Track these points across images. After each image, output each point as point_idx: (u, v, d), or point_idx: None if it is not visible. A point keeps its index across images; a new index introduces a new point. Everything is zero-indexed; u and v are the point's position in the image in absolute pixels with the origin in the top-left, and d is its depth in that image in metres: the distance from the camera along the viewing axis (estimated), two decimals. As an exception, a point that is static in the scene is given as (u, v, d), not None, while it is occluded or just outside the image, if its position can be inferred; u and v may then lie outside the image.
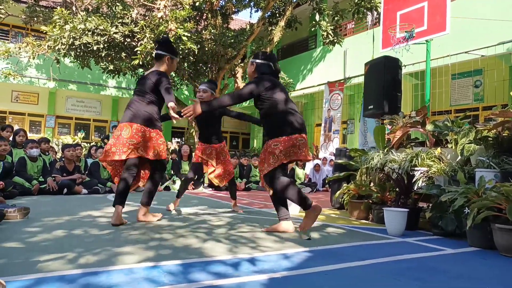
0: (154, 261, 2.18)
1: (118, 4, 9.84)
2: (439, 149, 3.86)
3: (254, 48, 11.99)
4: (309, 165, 9.26)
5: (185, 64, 11.11)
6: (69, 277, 1.84)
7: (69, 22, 9.44)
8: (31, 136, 11.95)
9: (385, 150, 4.40)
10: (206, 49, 10.90)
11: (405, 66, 7.61)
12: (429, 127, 4.02)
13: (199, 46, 10.18)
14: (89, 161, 7.10)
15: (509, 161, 3.14)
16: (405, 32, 6.07)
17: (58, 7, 10.31)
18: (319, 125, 13.82)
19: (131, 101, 3.49)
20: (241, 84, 12.60)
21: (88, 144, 13.00)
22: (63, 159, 6.44)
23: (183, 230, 3.22)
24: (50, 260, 2.13)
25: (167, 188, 7.58)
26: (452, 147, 3.79)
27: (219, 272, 2.03)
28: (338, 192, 4.62)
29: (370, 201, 4.21)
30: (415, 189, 3.84)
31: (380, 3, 7.89)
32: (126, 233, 3.00)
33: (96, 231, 3.04)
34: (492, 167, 3.22)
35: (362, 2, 10.03)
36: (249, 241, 2.86)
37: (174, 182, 7.75)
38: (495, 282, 2.05)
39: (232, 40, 11.07)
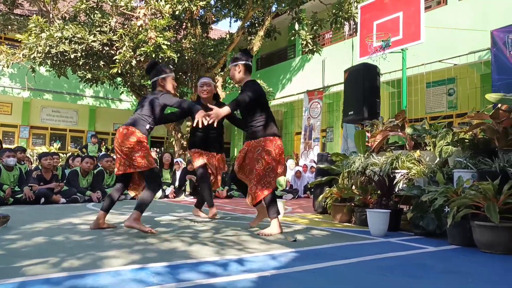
0: (141, 264, 2.15)
1: (96, 12, 9.74)
2: (418, 151, 3.97)
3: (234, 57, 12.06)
4: (290, 172, 9.31)
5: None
6: (54, 280, 1.80)
7: (45, 30, 9.28)
8: (5, 147, 11.57)
9: (366, 154, 4.48)
10: (186, 58, 10.89)
11: (382, 74, 7.80)
12: (408, 130, 4.13)
13: (179, 55, 10.16)
14: (67, 171, 6.92)
15: (485, 161, 3.25)
16: (382, 41, 6.23)
17: (34, 15, 10.13)
18: (299, 133, 13.95)
19: None
20: (221, 92, 12.62)
21: (65, 155, 12.70)
22: (40, 168, 6.27)
23: (167, 235, 3.18)
24: (33, 264, 2.07)
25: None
26: (430, 149, 3.90)
27: (208, 272, 2.02)
28: (321, 196, 4.67)
29: (353, 204, 4.27)
30: (396, 191, 3.93)
31: (357, 13, 8.10)
32: (109, 238, 2.94)
33: (77, 237, 2.97)
34: (469, 167, 3.32)
35: (340, 12, 10.26)
36: (235, 243, 2.85)
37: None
38: (480, 277, 2.12)
39: (212, 49, 11.10)
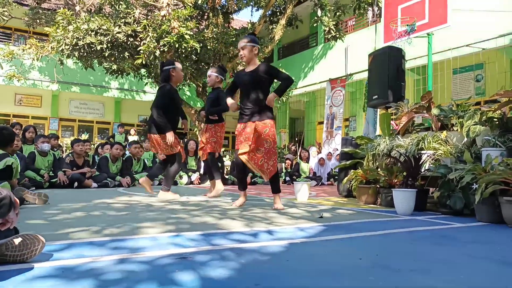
0: (176, 232, 2.26)
1: (121, 2, 9.94)
2: (444, 132, 3.94)
3: (255, 46, 12.08)
4: (313, 160, 9.34)
5: (187, 64, 11.20)
6: (98, 243, 1.92)
7: (72, 23, 9.54)
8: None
9: (391, 136, 4.47)
10: (208, 47, 10.99)
11: (406, 61, 7.71)
12: (435, 111, 4.10)
13: (201, 44, 10.27)
14: (97, 158, 7.18)
15: (514, 139, 3.22)
16: (407, 25, 6.15)
17: (61, 9, 10.43)
18: (321, 123, 13.90)
19: None
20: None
21: (93, 146, 13.10)
22: (72, 153, 6.52)
23: (197, 212, 3.30)
24: (76, 232, 2.21)
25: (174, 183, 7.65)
26: (457, 129, 3.87)
27: (239, 239, 2.10)
28: (346, 178, 4.70)
29: (378, 186, 4.28)
30: (422, 171, 3.92)
31: (381, -2, 8.00)
32: (143, 213, 3.08)
33: (113, 212, 3.12)
34: (498, 145, 3.30)
35: (363, -2, 10.14)
36: (263, 219, 2.94)
37: (181, 177, 7.82)
38: (510, 246, 2.13)
39: (234, 39, 11.17)
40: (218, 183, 4.81)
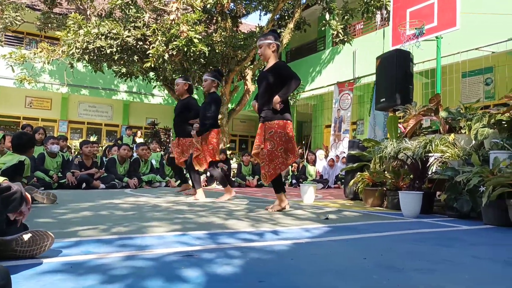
0: (182, 231, 2.28)
1: (131, 7, 10.06)
2: (452, 135, 3.92)
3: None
4: (320, 163, 9.33)
5: (195, 67, 11.29)
6: (106, 240, 1.96)
7: (83, 27, 9.68)
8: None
9: (399, 139, 4.46)
10: (217, 51, 11.06)
11: (415, 64, 7.69)
12: (443, 113, 4.09)
13: (210, 48, 10.35)
14: (105, 160, 7.26)
15: (523, 142, 3.20)
16: (415, 29, 6.14)
17: (72, 13, 10.59)
18: (329, 126, 13.86)
19: None
20: (250, 86, 12.74)
21: (101, 148, 13.23)
22: (80, 155, 6.60)
23: (204, 212, 3.32)
24: (84, 230, 2.24)
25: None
26: (465, 132, 3.85)
27: (245, 239, 2.12)
28: (352, 181, 4.69)
29: (385, 188, 4.27)
30: (429, 174, 3.90)
31: (389, 1, 7.99)
32: (150, 213, 3.11)
33: (120, 212, 3.16)
34: (506, 148, 3.28)
35: (372, 1, 10.13)
36: (269, 219, 2.95)
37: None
38: (513, 247, 2.12)
39: (242, 43, 11.24)
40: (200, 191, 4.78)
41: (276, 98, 3.46)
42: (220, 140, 4.87)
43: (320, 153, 9.71)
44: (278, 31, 12.56)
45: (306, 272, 1.47)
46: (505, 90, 9.46)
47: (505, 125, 3.49)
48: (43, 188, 4.98)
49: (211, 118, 4.56)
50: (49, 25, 13.44)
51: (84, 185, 6.01)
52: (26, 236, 1.53)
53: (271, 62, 3.63)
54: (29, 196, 1.57)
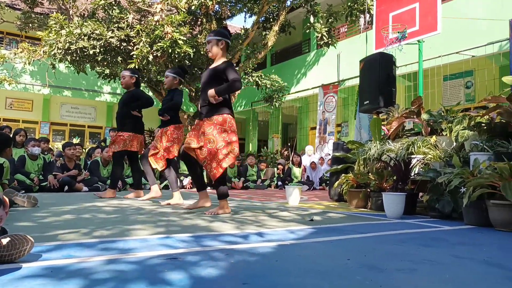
0: (166, 234, 2.26)
1: (115, 7, 9.95)
2: (434, 137, 4.00)
3: (248, 52, 12.13)
4: (308, 159, 9.38)
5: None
6: (87, 244, 1.92)
7: (65, 27, 9.53)
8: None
9: (382, 141, 4.52)
10: (202, 53, 11.03)
11: (398, 67, 7.80)
12: (425, 116, 4.16)
13: (194, 50, 10.30)
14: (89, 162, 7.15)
15: (502, 143, 3.27)
16: (398, 32, 6.24)
17: (54, 13, 10.41)
18: (314, 128, 13.97)
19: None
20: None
21: (84, 150, 13.03)
22: (62, 157, 6.49)
23: (188, 215, 3.30)
24: (65, 233, 2.20)
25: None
26: (447, 134, 3.92)
27: (230, 241, 2.11)
28: (337, 182, 4.73)
29: (369, 190, 4.32)
30: (412, 175, 3.96)
31: (372, 5, 8.10)
32: (133, 216, 3.07)
33: (103, 215, 3.11)
34: (485, 150, 3.35)
35: (355, 5, 10.25)
36: (254, 221, 2.95)
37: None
38: (496, 247, 2.16)
39: (227, 44, 11.22)
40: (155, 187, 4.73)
41: (211, 91, 3.24)
42: (182, 137, 4.53)
43: (309, 149, 9.76)
44: (263, 34, 12.63)
45: (290, 273, 1.47)
46: (484, 93, 9.69)
47: (485, 127, 3.58)
48: (23, 191, 4.88)
49: (168, 109, 4.37)
50: (30, 25, 13.18)
51: (66, 188, 5.90)
52: (4, 240, 1.50)
53: (219, 60, 3.45)
54: (6, 199, 1.54)
